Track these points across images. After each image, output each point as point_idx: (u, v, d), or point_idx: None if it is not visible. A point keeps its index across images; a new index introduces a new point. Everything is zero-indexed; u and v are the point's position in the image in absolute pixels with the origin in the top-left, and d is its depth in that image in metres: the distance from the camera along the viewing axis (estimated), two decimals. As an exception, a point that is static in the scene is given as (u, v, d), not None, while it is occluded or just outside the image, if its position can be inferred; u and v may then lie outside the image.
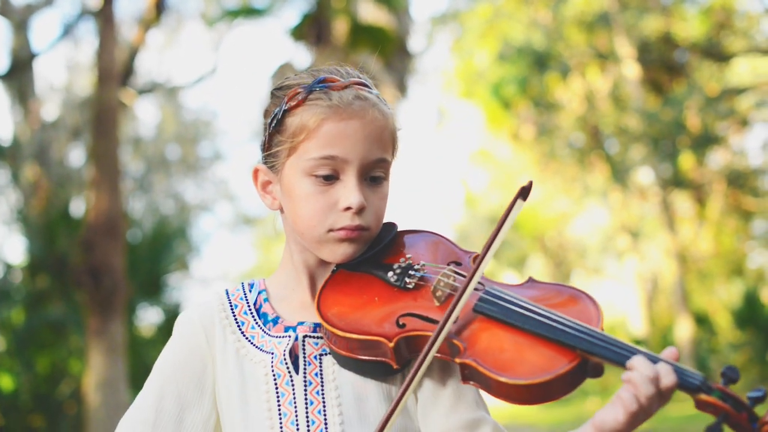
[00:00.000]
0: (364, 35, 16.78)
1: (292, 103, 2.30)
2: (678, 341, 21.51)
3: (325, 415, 2.26)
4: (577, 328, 2.05)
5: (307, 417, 2.26)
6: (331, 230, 2.29)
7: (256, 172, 2.44)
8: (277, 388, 2.28)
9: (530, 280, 2.29)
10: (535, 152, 26.90)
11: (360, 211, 2.28)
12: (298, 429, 2.25)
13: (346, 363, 2.28)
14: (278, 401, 2.28)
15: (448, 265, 2.32)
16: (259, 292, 2.45)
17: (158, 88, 23.97)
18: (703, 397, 1.94)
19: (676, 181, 23.11)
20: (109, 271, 11.25)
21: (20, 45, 19.15)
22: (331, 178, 2.28)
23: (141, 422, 2.27)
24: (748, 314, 20.98)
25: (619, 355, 1.98)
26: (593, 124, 24.98)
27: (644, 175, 24.77)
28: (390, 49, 17.09)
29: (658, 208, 23.68)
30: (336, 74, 2.35)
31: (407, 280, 2.29)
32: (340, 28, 16.90)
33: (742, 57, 21.88)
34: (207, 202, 27.74)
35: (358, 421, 2.26)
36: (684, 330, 21.54)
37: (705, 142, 21.35)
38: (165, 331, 17.40)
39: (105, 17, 11.97)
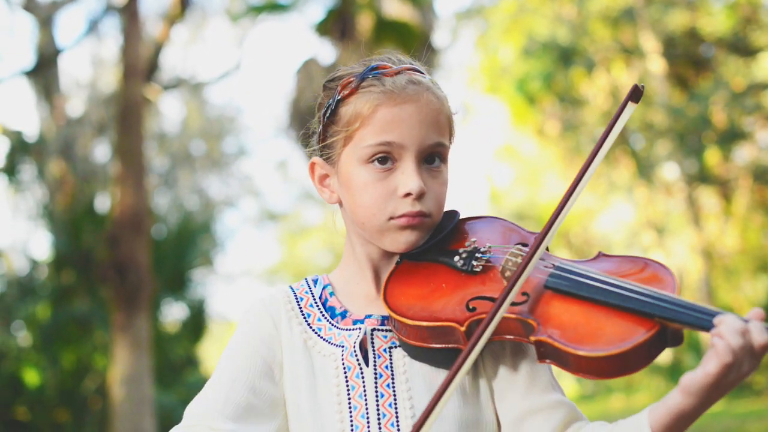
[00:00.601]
0: (388, 30, 16.74)
1: (345, 92, 2.29)
2: (703, 338, 21.40)
3: (396, 407, 2.23)
4: (653, 295, 2.00)
5: (378, 410, 2.23)
6: (391, 218, 2.26)
7: (312, 165, 2.42)
8: (347, 381, 2.26)
9: (600, 254, 2.25)
10: (561, 148, 26.78)
11: (420, 196, 2.24)
12: (368, 422, 2.22)
13: (417, 354, 2.24)
14: (348, 394, 2.25)
15: (515, 245, 2.28)
16: (324, 287, 2.43)
17: (183, 84, 24.00)
18: None
19: (701, 177, 22.96)
20: (134, 266, 11.28)
21: (45, 41, 19.23)
22: (388, 164, 2.25)
23: (211, 411, 2.21)
24: (775, 311, 20.87)
25: (700, 318, 1.94)
26: (618, 119, 24.85)
27: (670, 171, 24.62)
28: (414, 44, 17.01)
29: (684, 203, 23.56)
30: (388, 62, 2.34)
31: (474, 263, 2.26)
32: (364, 23, 16.86)
33: (768, 52, 21.74)
34: (231, 198, 27.79)
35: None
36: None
37: (731, 137, 21.19)
38: (189, 326, 17.49)
39: (130, 13, 12.00)
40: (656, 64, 23.19)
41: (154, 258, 13.96)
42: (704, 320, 1.92)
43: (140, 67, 12.54)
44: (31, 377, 14.93)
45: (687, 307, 1.95)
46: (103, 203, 17.46)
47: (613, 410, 21.72)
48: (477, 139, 34.48)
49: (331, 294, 2.41)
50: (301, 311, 2.38)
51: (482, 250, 2.28)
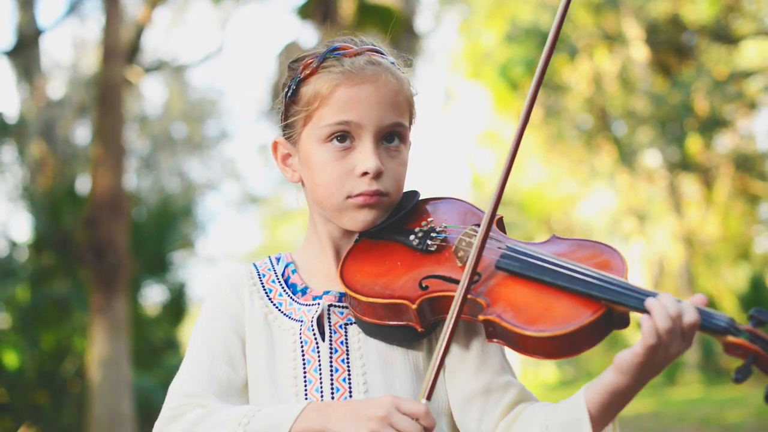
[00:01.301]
0: (370, 15, 16.72)
1: (306, 72, 2.33)
2: (683, 324, 21.48)
3: (350, 383, 2.27)
4: (601, 278, 2.04)
5: (332, 384, 2.27)
6: (349, 197, 2.30)
7: (275, 145, 2.46)
8: (303, 355, 2.30)
9: (553, 237, 2.29)
10: (543, 134, 26.79)
11: (377, 176, 2.28)
12: (322, 396, 2.25)
13: (371, 330, 2.29)
14: (304, 368, 2.29)
15: (470, 226, 2.30)
16: (287, 265, 2.48)
17: (165, 67, 23.92)
18: (731, 339, 1.94)
19: (683, 165, 23.07)
20: (113, 248, 11.24)
21: (26, 21, 19.10)
22: (347, 142, 2.29)
23: (197, 383, 2.24)
24: (755, 298, 20.87)
25: (640, 300, 1.97)
26: (600, 106, 24.89)
27: (651, 158, 24.69)
28: (397, 28, 17.00)
29: (665, 191, 23.66)
30: (349, 42, 2.37)
31: (429, 242, 2.30)
32: (346, 7, 16.83)
33: (750, 40, 21.78)
34: (213, 181, 27.75)
35: (384, 389, 2.26)
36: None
37: (713, 125, 21.27)
38: (170, 309, 17.41)
39: (110, -5, 11.96)
40: (639, 51, 23.22)
41: (134, 240, 13.92)
42: (641, 303, 1.96)
43: (121, 49, 12.47)
44: (10, 359, 14.87)
45: (631, 290, 2.00)
46: (84, 185, 17.37)
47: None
48: (459, 125, 34.48)
49: (294, 271, 2.45)
50: (263, 286, 2.42)
51: (438, 229, 2.32)
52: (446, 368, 2.28)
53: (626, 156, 23.50)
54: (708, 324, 1.95)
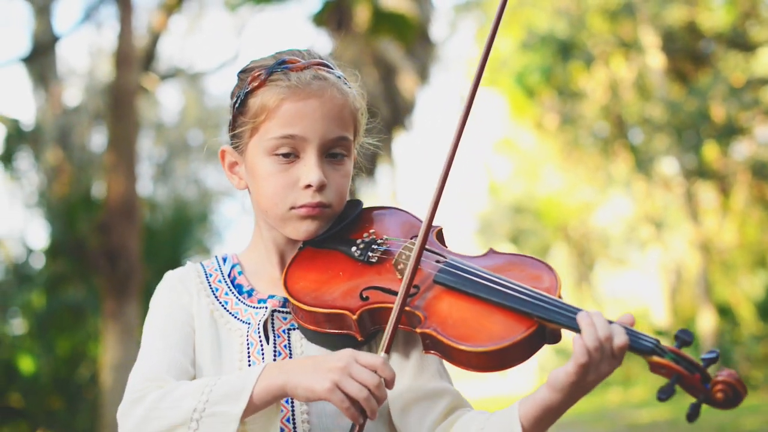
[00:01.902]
0: (385, 22, 16.75)
1: (254, 84, 2.39)
2: (701, 332, 21.42)
3: None
4: (534, 295, 2.10)
5: None
6: (293, 207, 2.37)
7: (222, 153, 2.53)
8: (249, 357, 2.36)
9: (491, 251, 2.35)
10: (559, 141, 26.81)
11: (320, 188, 2.35)
12: None
13: (313, 337, 2.35)
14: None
15: (411, 239, 2.38)
16: (233, 266, 2.54)
17: (181, 74, 24.01)
18: (656, 359, 2.01)
19: (700, 172, 22.96)
20: (125, 253, 11.30)
21: (42, 29, 19.20)
22: (291, 157, 2.35)
23: (157, 367, 2.29)
24: (772, 305, 20.87)
25: (570, 319, 2.04)
26: (617, 113, 24.84)
27: (668, 166, 24.62)
28: (411, 36, 17.04)
29: (682, 198, 23.55)
30: (297, 56, 2.44)
31: (370, 254, 2.37)
32: (361, 14, 16.87)
33: (767, 47, 21.69)
34: (230, 188, 27.78)
35: None
36: (707, 321, 21.44)
37: (729, 132, 21.20)
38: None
39: (123, 1, 12.01)
40: (655, 59, 23.15)
41: (149, 247, 13.98)
42: (572, 321, 2.04)
43: (134, 56, 12.55)
44: (26, 364, 14.93)
45: (563, 308, 2.07)
46: (99, 191, 17.46)
47: (610, 404, 21.74)
48: (475, 132, 34.48)
49: (240, 273, 2.52)
50: (210, 285, 2.49)
51: (379, 241, 2.39)
52: None
53: (643, 163, 23.45)
54: (635, 345, 2.02)
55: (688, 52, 23.77)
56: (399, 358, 2.35)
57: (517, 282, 2.15)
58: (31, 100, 21.95)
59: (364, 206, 2.55)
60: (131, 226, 11.41)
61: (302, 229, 2.39)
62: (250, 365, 2.34)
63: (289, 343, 2.37)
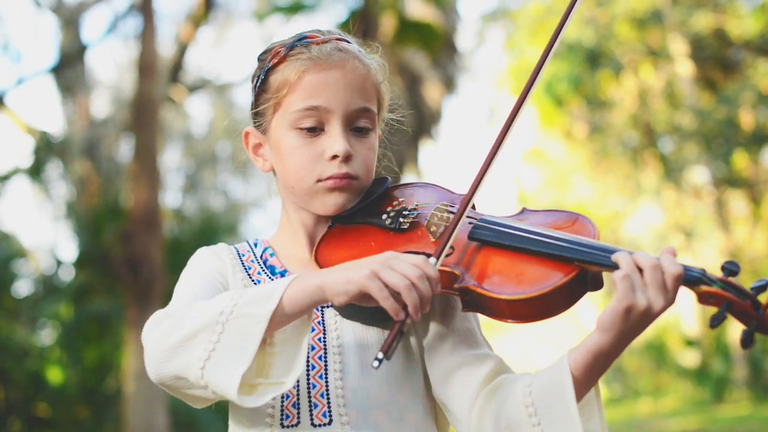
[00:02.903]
0: (411, 31, 16.77)
1: (275, 61, 2.37)
2: (731, 342, 21.30)
3: (325, 360, 2.29)
4: (572, 240, 2.09)
5: (308, 362, 2.27)
6: (319, 180, 2.33)
7: (246, 135, 2.50)
8: None
9: (524, 209, 2.34)
10: (588, 150, 26.71)
11: (347, 159, 2.32)
12: None
13: (347, 312, 2.31)
14: None
15: (442, 204, 2.35)
16: (265, 249, 2.51)
17: (208, 85, 24.09)
18: (705, 288, 2.00)
19: (729, 180, 22.84)
20: (148, 262, 11.34)
21: (70, 40, 19.34)
22: (315, 130, 2.33)
23: (191, 297, 2.26)
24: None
25: (609, 258, 2.02)
26: (646, 122, 24.73)
27: (698, 174, 24.49)
28: (437, 45, 17.05)
29: (712, 207, 23.42)
30: (317, 32, 2.41)
31: (401, 220, 2.34)
32: (387, 24, 16.90)
33: (797, 54, 21.57)
34: (258, 199, 27.86)
35: (359, 368, 2.28)
36: (738, 331, 21.25)
37: (759, 140, 21.10)
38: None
39: (145, 12, 12.08)
40: (684, 67, 23.05)
41: (176, 257, 14.01)
42: (611, 260, 2.01)
43: (156, 66, 12.61)
44: (54, 375, 15.02)
45: (603, 249, 2.04)
46: (125, 202, 17.57)
47: (640, 414, 21.63)
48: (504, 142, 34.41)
49: (272, 255, 2.48)
50: (243, 264, 2.45)
51: (409, 208, 2.36)
52: (425, 348, 2.32)
53: (672, 172, 23.34)
54: (684, 274, 1.99)
55: (717, 59, 23.64)
56: (437, 327, 2.32)
57: (554, 231, 2.15)
58: (60, 112, 22.13)
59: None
60: (154, 236, 11.46)
61: (330, 202, 2.35)
62: None
63: (323, 319, 2.33)
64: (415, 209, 2.35)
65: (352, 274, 2.00)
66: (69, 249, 20.30)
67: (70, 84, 19.42)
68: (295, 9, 17.74)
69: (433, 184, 2.49)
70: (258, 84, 2.42)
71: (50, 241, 18.51)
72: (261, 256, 2.48)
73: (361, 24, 16.96)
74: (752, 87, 20.80)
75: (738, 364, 21.26)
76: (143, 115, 11.91)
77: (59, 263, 16.84)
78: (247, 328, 2.02)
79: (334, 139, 2.30)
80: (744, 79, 21.79)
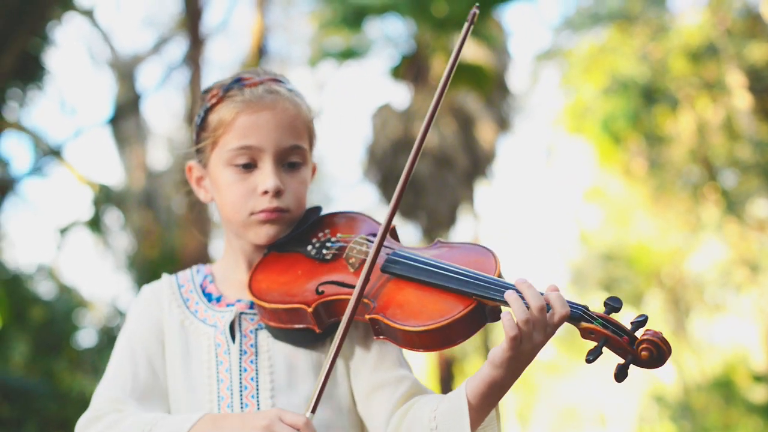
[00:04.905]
0: (462, 74, 16.79)
1: (213, 101, 2.60)
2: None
3: (257, 381, 2.51)
4: (471, 275, 2.26)
5: (241, 383, 2.51)
6: (252, 213, 2.57)
7: (189, 168, 2.73)
8: (217, 357, 2.55)
9: (438, 241, 2.52)
10: (648, 186, 26.51)
11: (277, 194, 2.54)
12: (232, 393, 2.50)
13: (278, 334, 2.59)
14: (217, 368, 2.53)
15: (365, 235, 2.56)
16: (205, 276, 2.75)
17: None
18: (585, 324, 2.16)
19: (793, 213, 22.57)
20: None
21: (125, 92, 19.63)
22: (249, 167, 2.56)
23: (120, 389, 2.49)
24: None
25: (502, 294, 2.20)
26: (705, 156, 24.50)
27: (761, 207, 24.21)
28: (489, 86, 17.06)
29: (777, 240, 23.16)
30: (252, 73, 2.65)
31: (324, 252, 2.56)
32: (438, 67, 16.95)
33: None
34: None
35: (288, 387, 2.51)
36: None
37: (820, 171, 20.85)
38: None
39: (193, 62, 12.24)
40: (742, 99, 22.82)
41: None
42: (503, 297, 2.18)
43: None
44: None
45: (496, 285, 2.21)
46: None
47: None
48: (563, 181, 34.27)
49: (211, 282, 2.72)
50: (181, 296, 2.67)
51: (332, 240, 2.57)
52: (350, 368, 2.56)
53: (734, 205, 23.10)
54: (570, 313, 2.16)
55: (775, 90, 23.39)
56: (360, 350, 2.53)
57: (457, 265, 2.31)
58: (117, 163, 22.45)
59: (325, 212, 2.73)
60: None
61: (262, 234, 2.57)
62: (217, 366, 2.53)
63: (256, 342, 2.55)
64: (337, 241, 2.57)
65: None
66: (129, 299, 20.46)
67: (126, 135, 19.72)
68: (347, 55, 17.86)
69: (363, 216, 2.69)
70: (199, 122, 2.64)
71: (111, 291, 18.72)
72: (201, 284, 2.71)
73: (413, 68, 17.08)
74: (812, 117, 20.58)
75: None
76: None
77: (120, 313, 16.99)
78: None
79: (266, 176, 2.53)
80: (803, 109, 21.57)
